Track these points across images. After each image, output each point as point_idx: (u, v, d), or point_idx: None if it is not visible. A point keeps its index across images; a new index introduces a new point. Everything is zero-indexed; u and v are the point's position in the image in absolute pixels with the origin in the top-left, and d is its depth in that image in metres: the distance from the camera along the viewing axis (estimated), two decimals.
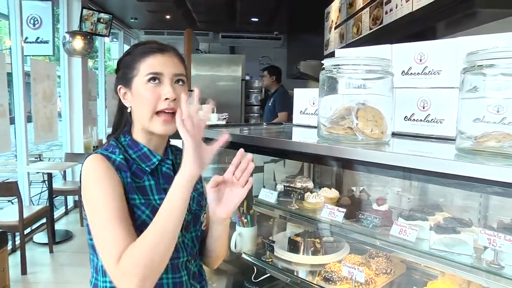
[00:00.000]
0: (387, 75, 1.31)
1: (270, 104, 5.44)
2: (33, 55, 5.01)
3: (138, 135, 1.12)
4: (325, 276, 1.56)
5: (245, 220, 1.94)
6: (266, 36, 9.13)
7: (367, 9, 3.47)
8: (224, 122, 3.97)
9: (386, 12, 3.06)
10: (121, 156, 1.06)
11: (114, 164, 1.03)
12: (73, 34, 4.78)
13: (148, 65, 1.06)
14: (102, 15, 5.49)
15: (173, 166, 1.15)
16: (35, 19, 5.04)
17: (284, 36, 9.01)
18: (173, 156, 1.18)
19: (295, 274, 1.69)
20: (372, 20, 3.36)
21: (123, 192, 1.01)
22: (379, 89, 1.34)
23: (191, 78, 7.15)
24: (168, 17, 7.40)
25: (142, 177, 1.08)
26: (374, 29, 3.33)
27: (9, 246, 3.92)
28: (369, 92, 1.34)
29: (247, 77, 8.31)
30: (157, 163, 1.11)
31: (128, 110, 1.12)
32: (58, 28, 5.38)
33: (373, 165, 1.18)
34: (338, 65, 1.31)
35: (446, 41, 1.43)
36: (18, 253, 3.72)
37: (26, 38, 4.90)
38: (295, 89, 2.05)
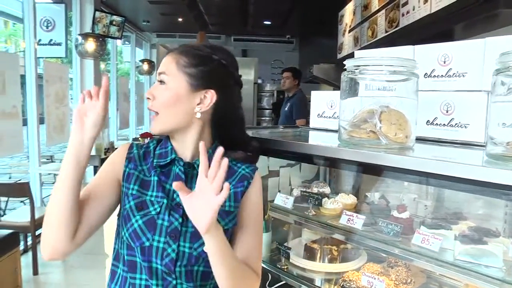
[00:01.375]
0: (412, 77, 1.26)
1: (286, 109, 5.09)
2: (46, 57, 5.04)
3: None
4: (343, 285, 1.50)
5: None
6: (278, 39, 9.12)
7: (383, 11, 3.41)
8: None
9: (403, 14, 3.00)
10: (142, 151, 1.13)
11: (129, 154, 1.11)
12: (85, 36, 4.79)
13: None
14: (115, 17, 5.51)
15: (193, 169, 1.08)
16: (49, 22, 5.07)
17: (297, 39, 8.99)
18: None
19: (311, 282, 1.64)
20: (388, 22, 3.31)
21: (116, 183, 1.09)
22: (403, 92, 1.28)
23: None
24: (180, 20, 7.42)
25: (151, 172, 1.10)
26: (390, 32, 3.27)
27: (21, 247, 3.93)
28: (393, 94, 1.29)
29: (259, 81, 8.29)
30: (169, 160, 1.10)
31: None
32: (71, 30, 5.41)
33: (399, 170, 1.13)
34: (361, 65, 1.26)
35: (472, 41, 1.37)
36: (30, 253, 3.72)
37: (40, 40, 4.93)
38: (312, 92, 2.00)
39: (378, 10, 3.54)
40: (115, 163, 1.11)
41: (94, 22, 5.22)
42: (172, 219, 1.03)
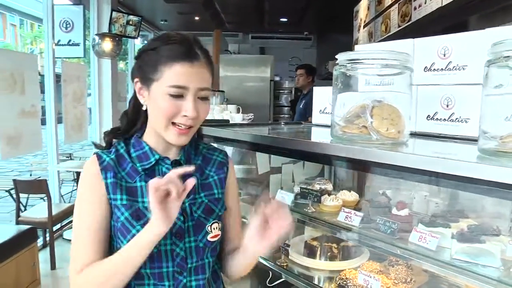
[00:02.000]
0: (405, 70, 1.22)
1: (301, 106, 5.03)
2: (65, 58, 5.15)
3: (148, 136, 1.06)
4: (339, 283, 1.48)
5: None
6: (296, 36, 9.06)
7: (396, 5, 3.34)
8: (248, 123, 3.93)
9: (415, 8, 2.93)
10: (113, 156, 1.04)
11: (102, 164, 1.03)
12: (102, 36, 4.88)
13: (174, 74, 0.96)
14: (131, 17, 5.58)
15: (179, 166, 1.05)
16: (67, 23, 5.19)
17: (314, 36, 8.91)
18: (197, 156, 1.12)
19: (310, 279, 1.62)
20: (400, 17, 3.23)
21: (104, 201, 1.01)
22: (397, 86, 1.25)
23: (219, 79, 7.18)
24: (197, 18, 7.47)
25: (135, 177, 1.03)
26: (403, 26, 3.20)
27: (41, 242, 4.04)
28: (386, 89, 1.26)
29: (277, 78, 8.26)
30: (153, 162, 1.05)
31: (143, 108, 1.05)
32: (89, 31, 5.52)
33: (388, 167, 1.10)
34: (353, 59, 1.23)
35: (472, 33, 1.32)
36: (48, 248, 3.82)
37: (59, 41, 5.05)
38: (314, 88, 1.98)
39: (391, 5, 3.47)
40: (93, 184, 1.02)
41: (111, 22, 5.30)
42: (175, 221, 1.00)
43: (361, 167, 1.24)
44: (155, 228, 0.91)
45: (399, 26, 3.29)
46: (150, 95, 1.01)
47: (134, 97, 1.07)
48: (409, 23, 3.08)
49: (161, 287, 1.03)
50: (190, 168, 0.93)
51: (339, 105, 1.28)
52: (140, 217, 1.00)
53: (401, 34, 3.23)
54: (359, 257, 1.69)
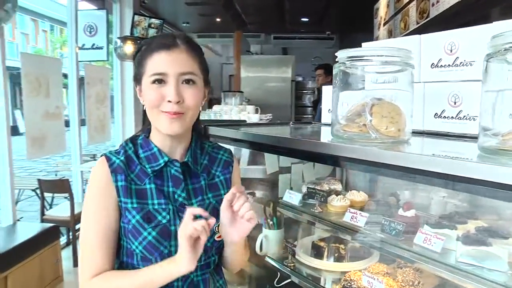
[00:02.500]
0: (406, 67, 1.19)
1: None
2: (89, 61, 5.29)
3: (154, 134, 1.09)
4: (344, 285, 1.45)
5: (271, 223, 1.88)
6: (318, 36, 8.99)
7: (414, 2, 3.26)
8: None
9: (433, 4, 2.85)
10: (122, 158, 1.05)
11: (112, 166, 1.03)
12: (124, 39, 4.98)
13: (153, 63, 1.01)
14: (153, 20, 5.67)
15: (187, 167, 1.09)
16: (91, 27, 5.32)
17: (336, 35, 8.82)
18: (203, 155, 1.14)
19: (316, 280, 1.60)
20: (419, 13, 3.16)
21: (115, 205, 1.03)
22: (398, 83, 1.22)
23: (241, 80, 7.21)
24: (218, 20, 7.52)
25: (144, 179, 1.05)
26: (421, 23, 3.12)
27: (64, 240, 4.17)
28: (388, 86, 1.23)
29: (299, 78, 8.22)
30: (162, 164, 1.06)
31: (144, 108, 1.08)
32: (112, 34, 5.64)
33: (386, 166, 1.07)
34: (352, 56, 1.20)
35: (479, 27, 1.27)
36: (71, 246, 3.92)
37: (83, 45, 5.19)
38: (323, 87, 1.95)
39: (410, 1, 3.39)
40: (104, 187, 1.02)
41: (133, 25, 5.40)
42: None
43: (361, 167, 1.21)
44: (184, 268, 0.94)
45: (417, 23, 3.21)
46: (142, 92, 1.05)
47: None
48: (427, 19, 3.00)
49: (170, 284, 1.04)
50: (205, 214, 0.95)
51: (339, 103, 1.26)
52: (151, 219, 1.03)
53: (420, 31, 3.14)
54: (367, 259, 1.66)
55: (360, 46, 1.90)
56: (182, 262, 0.93)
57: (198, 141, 1.15)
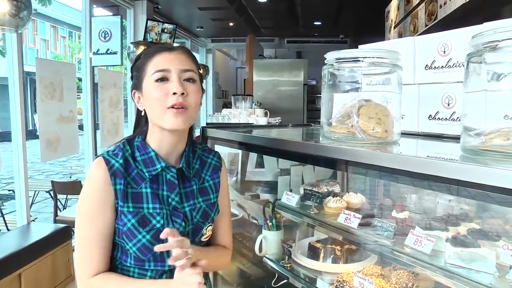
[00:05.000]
0: (394, 69, 1.19)
1: None
2: (103, 65, 5.41)
3: (151, 137, 1.11)
4: (336, 285, 1.45)
5: (270, 224, 1.90)
6: (332, 39, 8.94)
7: (423, 4, 3.24)
8: None
9: (441, 6, 2.83)
10: (121, 161, 1.06)
11: (111, 169, 1.04)
12: (137, 44, 5.07)
13: (155, 63, 1.05)
14: (166, 25, 5.75)
15: (181, 172, 1.12)
16: (106, 33, 5.43)
17: (350, 39, 8.77)
18: (193, 160, 1.16)
19: (312, 282, 1.60)
20: (427, 16, 3.13)
21: (112, 207, 1.04)
22: (386, 85, 1.22)
23: (253, 84, 7.24)
24: (231, 24, 7.58)
25: (140, 183, 1.07)
26: (429, 25, 3.10)
27: None
28: (377, 88, 1.24)
29: (313, 82, 8.21)
30: (159, 169, 1.08)
31: (142, 114, 1.11)
32: (126, 39, 5.75)
33: (370, 167, 1.08)
34: (340, 58, 1.22)
35: (471, 28, 1.27)
36: None
37: (98, 50, 5.30)
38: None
39: (419, 4, 3.36)
40: (102, 190, 1.04)
41: (147, 30, 5.49)
42: (177, 225, 1.08)
43: (350, 168, 1.22)
44: None
45: (426, 26, 3.19)
46: (143, 94, 1.07)
47: (136, 109, 1.14)
48: (435, 21, 2.98)
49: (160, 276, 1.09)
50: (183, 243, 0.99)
51: (328, 105, 1.27)
52: (145, 223, 1.05)
53: (428, 33, 3.13)
54: (364, 261, 1.65)
55: None
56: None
57: (191, 144, 1.17)
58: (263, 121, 3.73)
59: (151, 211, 1.06)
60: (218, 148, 1.74)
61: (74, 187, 3.83)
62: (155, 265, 1.08)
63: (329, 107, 1.26)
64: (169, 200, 1.09)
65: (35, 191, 5.20)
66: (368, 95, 1.21)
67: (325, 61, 1.25)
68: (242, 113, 3.93)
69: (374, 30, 5.67)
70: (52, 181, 3.91)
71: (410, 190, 1.64)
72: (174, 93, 1.02)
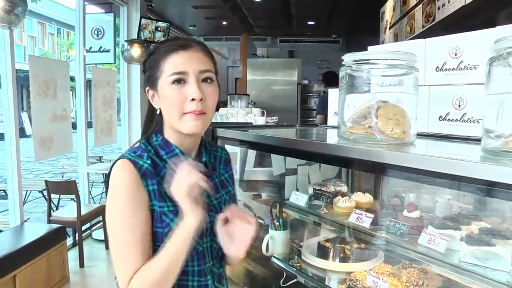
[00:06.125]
0: (411, 71, 1.21)
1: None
2: (96, 63, 5.35)
3: (169, 135, 1.07)
4: (349, 284, 1.47)
5: (277, 224, 1.91)
6: (324, 39, 9.00)
7: (420, 6, 3.28)
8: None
9: (439, 8, 2.87)
10: (149, 161, 1.02)
11: (141, 170, 1.00)
12: (131, 42, 5.03)
13: (171, 63, 1.00)
14: (160, 23, 5.72)
15: (206, 166, 1.11)
16: (99, 30, 5.38)
17: (343, 39, 8.83)
18: (208, 154, 1.16)
19: (322, 281, 1.62)
20: (424, 17, 3.18)
21: (147, 207, 1.00)
22: (403, 86, 1.24)
23: (247, 82, 7.25)
24: (224, 23, 7.57)
25: (171, 182, 1.02)
26: (427, 27, 3.14)
27: (71, 241, 4.21)
28: (393, 89, 1.25)
29: (306, 81, 8.24)
30: None
31: (157, 112, 1.07)
32: (119, 37, 5.70)
33: (393, 167, 1.10)
34: (358, 60, 1.23)
35: (483, 31, 1.29)
36: (78, 247, 3.96)
37: (90, 47, 5.25)
38: (329, 90, 1.97)
39: (416, 5, 3.41)
40: (136, 192, 0.99)
41: (140, 28, 5.45)
42: (212, 218, 1.05)
43: (366, 168, 1.24)
44: (195, 219, 0.95)
45: (423, 27, 3.23)
46: (159, 94, 1.03)
47: (148, 106, 1.11)
48: (433, 23, 3.02)
49: (205, 282, 1.06)
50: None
51: (346, 106, 1.28)
52: None
53: (426, 35, 3.16)
54: (373, 260, 1.67)
55: (366, 49, 1.92)
56: (191, 217, 0.94)
57: (202, 141, 1.17)
58: (261, 120, 3.73)
59: None
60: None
61: (69, 187, 3.78)
62: (198, 264, 1.05)
63: (346, 108, 1.27)
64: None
65: (26, 191, 5.12)
66: (383, 96, 1.23)
67: (343, 63, 1.26)
68: (239, 112, 3.93)
69: (368, 31, 5.72)
70: (46, 181, 3.85)
71: (419, 190, 1.67)
72: (193, 99, 0.99)
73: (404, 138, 1.18)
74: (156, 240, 1.01)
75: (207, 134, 1.67)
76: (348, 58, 1.25)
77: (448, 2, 2.71)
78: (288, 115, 6.72)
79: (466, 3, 2.48)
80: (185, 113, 1.00)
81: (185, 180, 0.93)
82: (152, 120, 1.12)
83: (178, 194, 0.94)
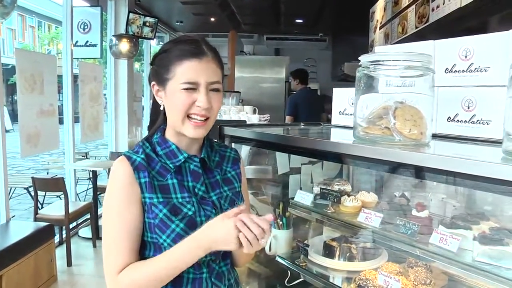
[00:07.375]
0: (427, 72, 1.22)
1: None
2: (82, 58, 5.23)
3: (169, 132, 1.13)
4: (359, 283, 1.48)
5: (281, 223, 1.90)
6: (311, 38, 9.02)
7: (413, 6, 3.33)
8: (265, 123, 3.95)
9: (433, 9, 2.91)
10: (143, 156, 1.08)
11: (134, 164, 1.06)
12: (119, 37, 4.94)
13: (184, 71, 1.04)
14: (148, 18, 5.64)
15: (204, 163, 1.14)
16: (85, 24, 5.26)
17: (329, 37, 8.87)
18: (213, 153, 1.19)
19: (329, 280, 1.62)
20: (418, 18, 3.22)
21: (139, 202, 1.05)
22: (419, 87, 1.25)
23: (235, 80, 7.21)
24: (212, 19, 7.51)
25: (166, 175, 1.08)
26: (420, 28, 3.18)
27: (57, 239, 4.12)
28: (408, 90, 1.26)
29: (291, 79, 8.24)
30: (183, 160, 1.10)
31: (161, 108, 1.12)
32: (106, 32, 5.59)
33: (411, 167, 1.11)
34: (375, 61, 1.24)
35: (496, 34, 1.31)
36: (65, 246, 3.88)
37: (77, 42, 5.13)
38: (334, 89, 1.98)
39: (408, 6, 3.45)
40: (127, 185, 1.04)
41: (128, 23, 5.36)
42: (208, 212, 1.09)
43: (383, 168, 1.24)
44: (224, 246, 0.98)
45: (416, 28, 3.27)
46: (167, 94, 1.08)
47: (153, 99, 1.15)
48: (426, 24, 3.06)
49: (199, 275, 1.08)
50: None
51: (362, 106, 1.28)
52: (177, 212, 1.06)
53: (418, 36, 3.22)
54: (378, 258, 1.69)
55: (354, 48, 1.93)
56: (220, 243, 0.97)
57: (208, 140, 1.20)
58: (254, 118, 3.72)
59: (180, 200, 1.07)
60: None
61: (56, 184, 3.69)
62: None
63: (362, 109, 1.28)
64: (196, 190, 1.10)
65: (10, 188, 4.98)
66: (400, 97, 1.24)
67: (360, 63, 1.26)
68: (231, 110, 3.92)
69: (355, 30, 5.77)
70: (32, 178, 3.75)
71: (423, 189, 1.70)
72: (199, 106, 1.04)
73: (421, 139, 1.20)
74: (147, 232, 1.06)
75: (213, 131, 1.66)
76: (365, 59, 1.25)
77: (443, 4, 2.75)
78: (276, 112, 6.71)
79: (461, 5, 2.53)
80: (189, 116, 1.05)
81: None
82: (157, 117, 1.16)
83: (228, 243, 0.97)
